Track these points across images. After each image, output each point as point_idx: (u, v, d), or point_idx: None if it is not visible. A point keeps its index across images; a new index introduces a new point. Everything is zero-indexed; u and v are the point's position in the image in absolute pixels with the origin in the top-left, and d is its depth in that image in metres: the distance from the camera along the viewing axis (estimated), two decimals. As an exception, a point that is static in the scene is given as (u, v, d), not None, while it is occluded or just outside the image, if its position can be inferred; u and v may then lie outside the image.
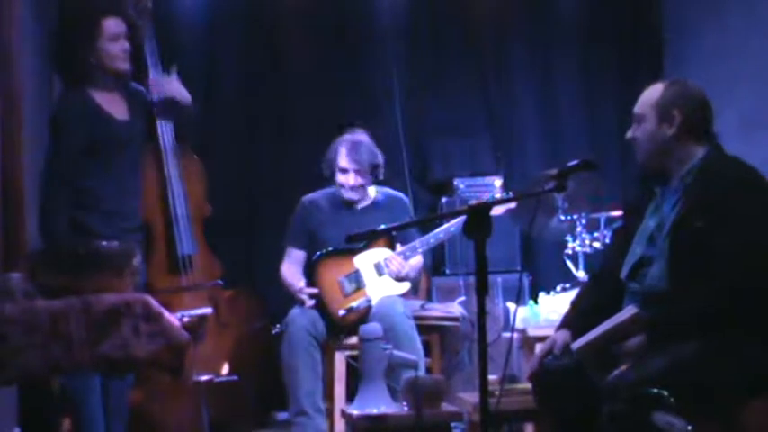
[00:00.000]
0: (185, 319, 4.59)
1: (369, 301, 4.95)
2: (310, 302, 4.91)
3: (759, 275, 3.15)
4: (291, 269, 5.12)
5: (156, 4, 4.92)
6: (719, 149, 3.41)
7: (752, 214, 3.21)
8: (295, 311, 4.89)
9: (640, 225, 3.47)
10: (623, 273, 3.43)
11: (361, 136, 5.17)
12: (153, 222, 4.87)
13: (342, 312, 4.90)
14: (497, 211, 5.00)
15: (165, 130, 4.85)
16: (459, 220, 4.94)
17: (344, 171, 5.09)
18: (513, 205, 5.10)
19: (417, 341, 4.84)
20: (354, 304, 4.92)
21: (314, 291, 4.94)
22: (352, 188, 5.11)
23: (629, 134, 3.48)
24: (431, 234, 5.13)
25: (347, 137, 5.14)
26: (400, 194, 5.31)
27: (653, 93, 3.43)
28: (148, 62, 4.82)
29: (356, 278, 5.03)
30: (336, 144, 5.13)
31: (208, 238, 5.09)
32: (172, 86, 4.73)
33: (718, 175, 3.31)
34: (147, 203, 4.74)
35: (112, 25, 4.37)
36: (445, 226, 5.10)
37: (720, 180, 3.29)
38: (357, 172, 5.08)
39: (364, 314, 4.90)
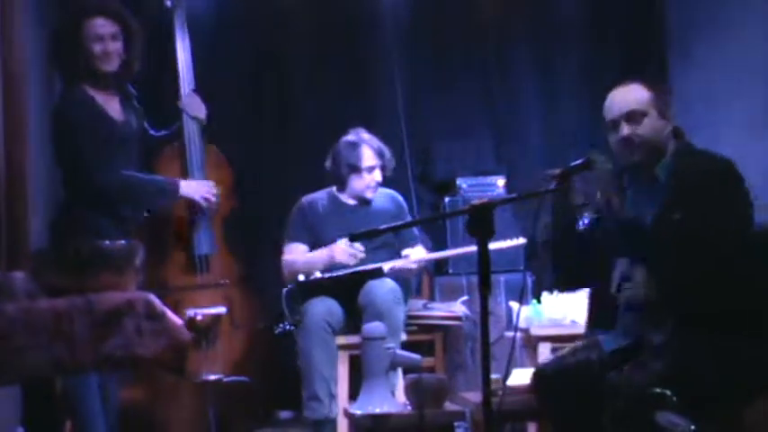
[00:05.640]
0: (199, 318, 4.62)
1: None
2: (358, 253, 4.93)
3: (732, 264, 3.14)
4: (295, 257, 5.09)
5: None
6: (689, 143, 3.41)
7: (725, 204, 3.20)
8: (313, 301, 4.88)
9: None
10: (613, 287, 3.38)
11: (366, 134, 5.16)
12: (172, 220, 4.88)
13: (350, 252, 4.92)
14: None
15: (190, 130, 4.88)
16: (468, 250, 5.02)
17: (371, 169, 5.08)
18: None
19: (400, 316, 4.85)
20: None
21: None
22: (377, 185, 5.11)
23: (625, 132, 3.36)
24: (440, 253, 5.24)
25: (357, 137, 5.12)
26: (396, 193, 5.31)
27: (639, 90, 3.41)
28: (181, 81, 5.02)
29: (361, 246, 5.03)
30: (348, 145, 5.09)
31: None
32: (198, 106, 5.00)
33: (690, 168, 3.29)
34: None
35: (96, 25, 4.34)
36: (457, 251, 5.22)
37: (694, 173, 3.27)
38: (382, 168, 5.10)
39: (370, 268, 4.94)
